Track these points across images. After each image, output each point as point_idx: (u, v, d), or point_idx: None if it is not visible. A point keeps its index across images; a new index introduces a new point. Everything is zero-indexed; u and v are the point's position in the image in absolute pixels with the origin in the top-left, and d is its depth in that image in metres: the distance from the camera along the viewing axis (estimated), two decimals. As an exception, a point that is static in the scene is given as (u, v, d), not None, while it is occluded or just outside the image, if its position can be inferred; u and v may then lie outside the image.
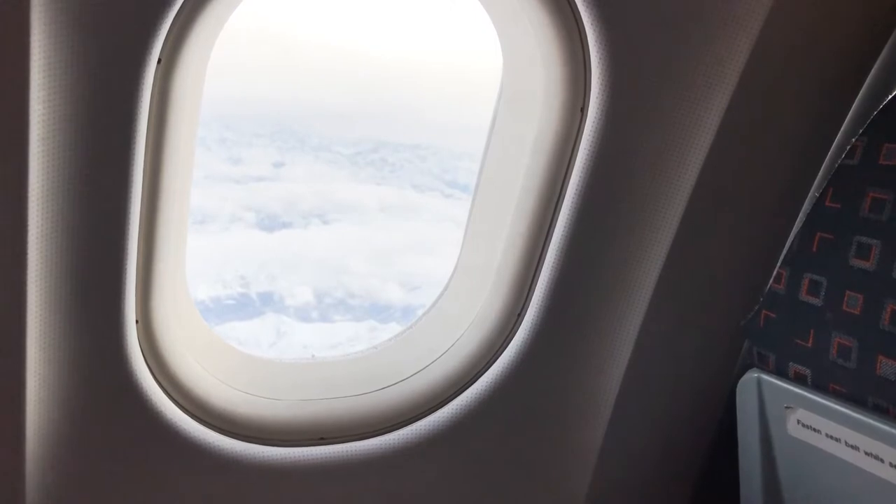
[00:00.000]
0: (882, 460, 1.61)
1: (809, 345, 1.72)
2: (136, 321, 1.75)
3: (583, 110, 1.82)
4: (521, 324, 1.99)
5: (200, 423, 1.86)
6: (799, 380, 1.75)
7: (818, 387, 1.72)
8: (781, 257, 1.80)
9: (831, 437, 1.70)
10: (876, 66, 1.83)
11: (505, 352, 2.00)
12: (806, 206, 1.91)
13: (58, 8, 1.42)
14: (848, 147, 1.71)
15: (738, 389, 1.86)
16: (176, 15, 1.52)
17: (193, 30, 1.57)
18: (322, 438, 1.95)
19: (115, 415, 1.78)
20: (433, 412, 1.99)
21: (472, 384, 2.00)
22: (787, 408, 1.77)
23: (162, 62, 1.56)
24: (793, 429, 1.77)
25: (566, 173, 1.87)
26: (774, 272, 1.80)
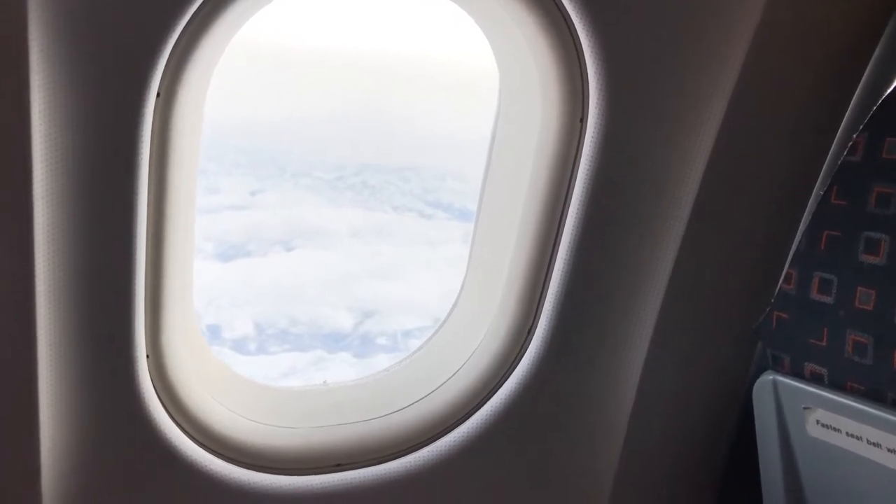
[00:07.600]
0: (906, 456, 1.61)
1: (824, 343, 1.71)
2: (147, 356, 1.72)
3: (582, 121, 1.82)
4: (532, 339, 1.97)
5: (215, 454, 1.83)
6: (815, 379, 1.74)
7: (835, 385, 1.71)
8: (790, 257, 1.80)
9: (852, 436, 1.69)
10: (872, 60, 1.84)
11: (518, 367, 1.98)
12: (811, 205, 1.92)
13: (55, 44, 1.41)
14: (850, 143, 1.71)
15: (754, 392, 1.85)
16: (173, 48, 1.51)
17: (191, 62, 1.56)
18: (338, 465, 1.92)
19: (129, 451, 1.76)
20: (449, 432, 1.97)
21: (486, 402, 1.98)
22: (805, 408, 1.76)
23: (161, 95, 1.55)
24: (812, 429, 1.76)
25: (569, 184, 1.87)
26: (783, 272, 1.79)
